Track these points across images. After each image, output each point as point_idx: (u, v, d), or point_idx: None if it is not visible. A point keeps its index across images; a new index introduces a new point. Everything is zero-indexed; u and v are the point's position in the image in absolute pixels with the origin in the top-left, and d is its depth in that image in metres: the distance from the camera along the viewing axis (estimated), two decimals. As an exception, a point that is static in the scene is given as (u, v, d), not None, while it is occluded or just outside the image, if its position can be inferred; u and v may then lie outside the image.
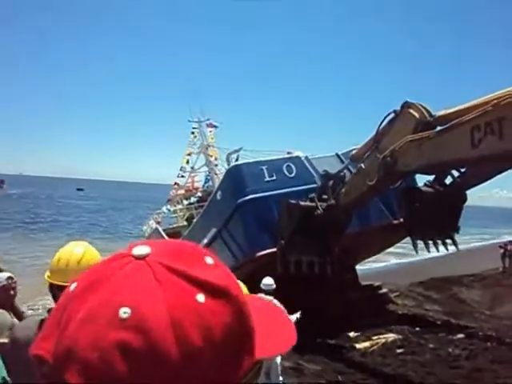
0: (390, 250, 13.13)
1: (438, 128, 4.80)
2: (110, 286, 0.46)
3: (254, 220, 8.47)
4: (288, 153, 10.26)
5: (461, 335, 8.67)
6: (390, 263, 23.30)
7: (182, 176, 18.30)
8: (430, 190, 7.87)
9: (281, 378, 5.78)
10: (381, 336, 8.58)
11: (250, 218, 8.56)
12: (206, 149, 17.15)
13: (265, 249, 8.20)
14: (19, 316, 3.43)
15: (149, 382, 0.42)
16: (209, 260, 0.52)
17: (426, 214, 7.44)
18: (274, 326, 0.55)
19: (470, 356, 7.55)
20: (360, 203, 6.77)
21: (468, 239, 36.71)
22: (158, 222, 17.40)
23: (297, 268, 7.42)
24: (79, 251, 2.02)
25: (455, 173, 7.51)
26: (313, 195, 7.07)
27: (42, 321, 3.37)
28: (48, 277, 1.99)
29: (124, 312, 0.43)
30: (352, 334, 8.70)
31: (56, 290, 1.93)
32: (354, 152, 6.88)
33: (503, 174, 6.32)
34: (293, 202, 7.13)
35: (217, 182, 13.88)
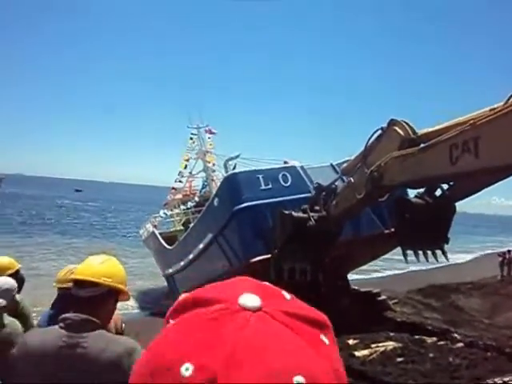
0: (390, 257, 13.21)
1: (422, 145, 5.06)
2: (256, 354, 0.41)
3: (249, 227, 8.73)
4: (284, 162, 10.55)
5: (460, 344, 8.59)
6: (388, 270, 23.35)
7: (180, 181, 18.53)
8: (420, 201, 8.11)
9: None
10: (380, 344, 8.47)
11: (246, 225, 8.82)
12: (204, 155, 17.42)
13: (259, 255, 8.44)
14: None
15: None
16: (286, 294, 0.49)
17: (416, 225, 7.67)
18: None
19: (470, 365, 7.44)
20: (350, 215, 7.03)
21: (473, 248, 36.93)
22: (155, 226, 17.63)
23: (290, 275, 7.64)
24: (103, 258, 2.06)
25: (445, 185, 7.78)
26: (305, 206, 7.33)
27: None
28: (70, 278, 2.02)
29: (297, 381, 0.40)
30: (351, 342, 8.64)
31: (75, 286, 1.94)
32: (344, 165, 7.15)
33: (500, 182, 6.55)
34: (286, 212, 7.38)
35: (214, 188, 14.14)
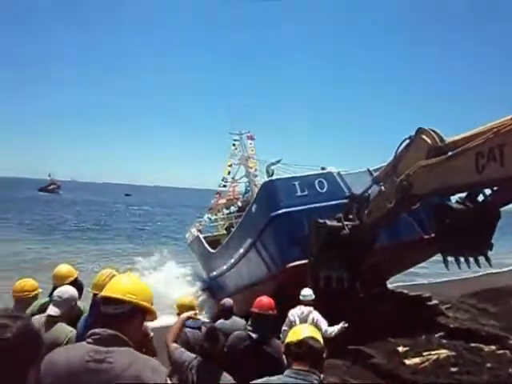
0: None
1: (449, 153, 5.07)
2: None
3: (286, 232, 8.92)
4: (322, 168, 10.66)
5: (521, 354, 7.83)
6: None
7: (224, 186, 19.10)
8: (460, 206, 7.98)
9: None
10: (432, 352, 8.00)
11: (282, 231, 9.02)
12: (246, 160, 17.80)
13: (296, 260, 8.63)
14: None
15: None
16: None
17: (456, 231, 7.56)
18: None
19: (532, 378, 6.81)
20: (382, 223, 7.04)
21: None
22: (199, 230, 18.27)
23: (326, 283, 7.75)
24: (129, 276, 2.14)
25: (487, 190, 7.62)
26: (339, 215, 7.42)
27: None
28: (94, 294, 2.12)
29: None
30: (401, 349, 8.30)
31: (99, 303, 2.00)
32: (376, 174, 7.20)
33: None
34: (320, 221, 7.51)
35: (256, 193, 14.48)
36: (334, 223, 7.39)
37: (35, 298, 4.26)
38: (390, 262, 9.40)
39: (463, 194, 8.06)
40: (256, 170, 17.72)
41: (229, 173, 18.70)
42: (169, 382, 1.84)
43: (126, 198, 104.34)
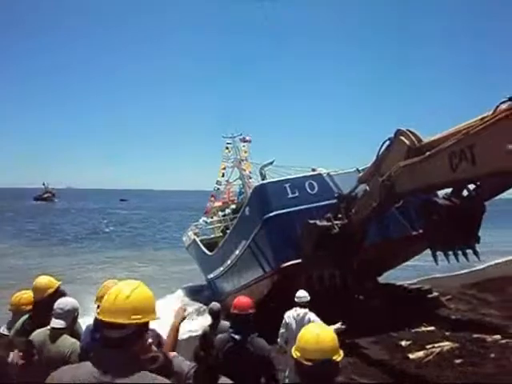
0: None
1: (427, 153, 5.36)
2: None
3: (279, 234, 9.20)
4: (312, 169, 10.98)
5: (525, 342, 7.69)
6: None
7: (218, 189, 19.30)
8: (447, 202, 8.25)
9: None
10: (436, 345, 7.95)
11: (275, 232, 9.31)
12: (240, 163, 17.99)
13: (289, 260, 8.91)
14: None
15: None
16: None
17: (444, 226, 7.83)
18: None
19: (537, 366, 6.68)
20: (369, 221, 7.35)
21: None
22: (196, 233, 18.47)
23: (320, 282, 8.00)
24: (129, 288, 1.88)
25: (472, 186, 7.90)
26: (329, 215, 7.72)
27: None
28: (97, 314, 1.87)
29: None
30: (403, 343, 8.24)
31: (102, 327, 1.82)
32: (360, 174, 7.50)
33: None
34: (311, 222, 7.79)
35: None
36: (324, 223, 7.68)
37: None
38: (380, 258, 9.68)
39: (449, 190, 8.39)
40: (250, 171, 17.88)
41: (223, 175, 18.90)
42: None
43: (121, 204, 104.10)
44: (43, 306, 3.51)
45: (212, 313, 5.80)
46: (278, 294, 8.48)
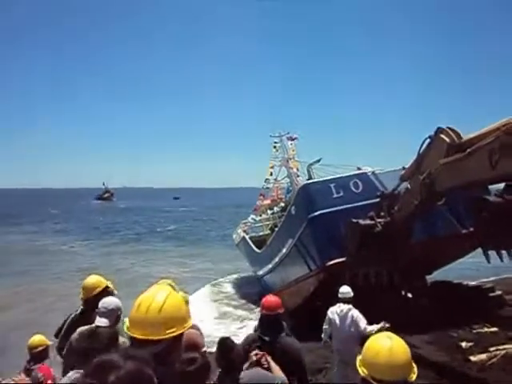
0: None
1: (468, 150, 5.35)
2: None
3: (323, 232, 9.38)
4: (358, 168, 11.04)
5: None
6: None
7: (267, 187, 19.70)
8: (498, 199, 8.04)
9: None
10: (500, 347, 7.50)
11: (320, 231, 9.50)
12: (287, 161, 18.24)
13: (334, 258, 9.07)
14: None
15: None
16: None
17: (495, 224, 7.65)
18: None
19: None
20: (412, 219, 7.34)
21: None
22: (245, 231, 19.00)
23: (365, 280, 8.04)
24: (161, 298, 1.75)
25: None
26: (372, 214, 7.77)
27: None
28: (127, 328, 1.75)
29: None
30: (464, 345, 7.89)
31: (135, 343, 1.68)
32: (402, 172, 7.49)
33: None
34: (354, 220, 7.89)
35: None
36: (367, 221, 7.75)
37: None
38: (428, 256, 9.56)
39: (501, 186, 8.17)
40: (298, 169, 18.07)
41: (271, 174, 19.26)
42: None
43: (175, 202, 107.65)
44: (91, 305, 3.76)
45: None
46: (324, 292, 8.68)
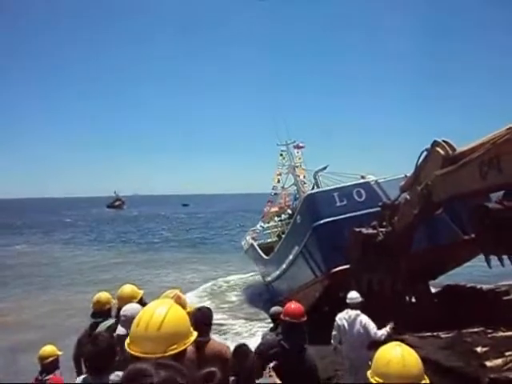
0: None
1: (460, 162, 5.66)
2: None
3: (328, 240, 9.64)
4: (361, 177, 11.32)
5: None
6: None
7: (275, 194, 20.04)
8: (498, 206, 8.26)
9: None
10: None
11: (324, 239, 9.78)
12: (294, 169, 18.57)
13: (338, 266, 9.34)
14: None
15: None
16: None
17: (497, 230, 7.87)
18: None
19: None
20: (413, 228, 7.63)
21: None
22: (254, 238, 19.35)
23: (369, 286, 8.28)
24: (161, 313, 1.70)
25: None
26: (374, 223, 8.06)
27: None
28: (127, 345, 1.70)
29: None
30: (479, 350, 7.68)
31: (134, 361, 1.58)
32: (402, 183, 7.78)
33: None
34: (356, 229, 8.17)
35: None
36: (370, 231, 8.04)
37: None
38: (430, 263, 9.77)
39: (501, 193, 8.41)
40: (304, 177, 18.38)
41: (278, 181, 19.60)
42: None
43: (183, 208, 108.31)
44: None
45: (273, 316, 5.78)
46: (330, 298, 8.94)
